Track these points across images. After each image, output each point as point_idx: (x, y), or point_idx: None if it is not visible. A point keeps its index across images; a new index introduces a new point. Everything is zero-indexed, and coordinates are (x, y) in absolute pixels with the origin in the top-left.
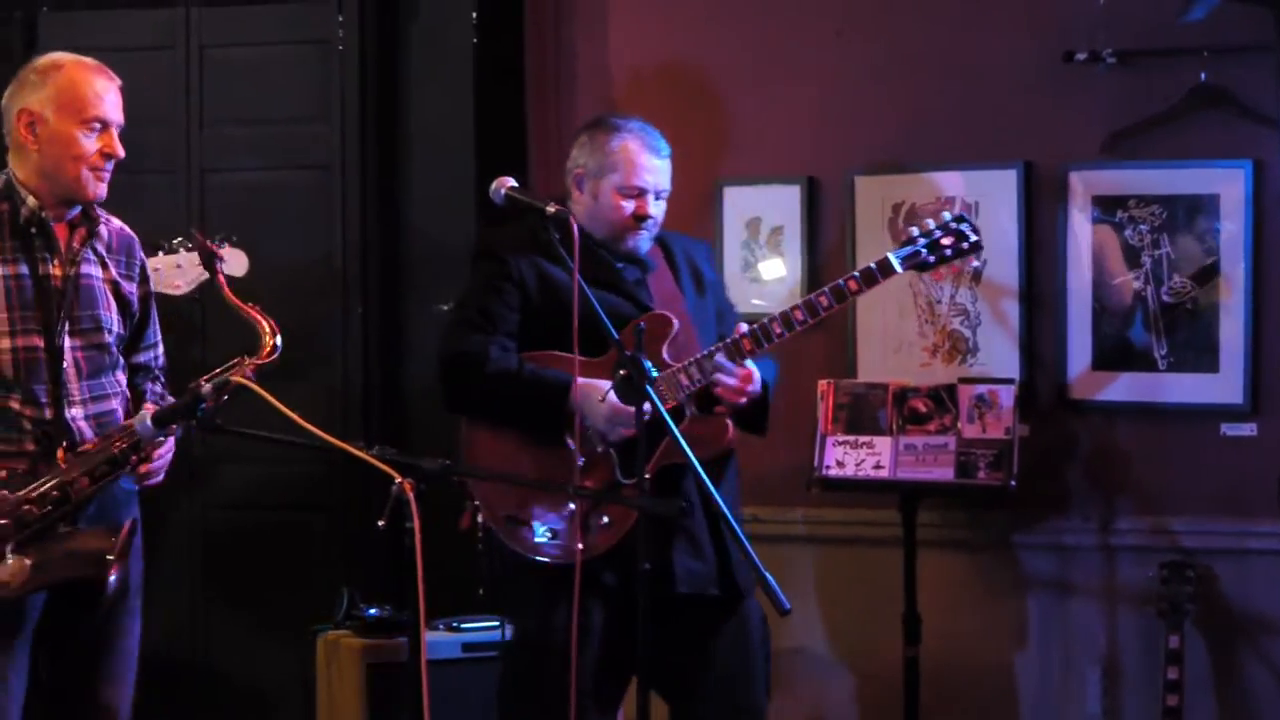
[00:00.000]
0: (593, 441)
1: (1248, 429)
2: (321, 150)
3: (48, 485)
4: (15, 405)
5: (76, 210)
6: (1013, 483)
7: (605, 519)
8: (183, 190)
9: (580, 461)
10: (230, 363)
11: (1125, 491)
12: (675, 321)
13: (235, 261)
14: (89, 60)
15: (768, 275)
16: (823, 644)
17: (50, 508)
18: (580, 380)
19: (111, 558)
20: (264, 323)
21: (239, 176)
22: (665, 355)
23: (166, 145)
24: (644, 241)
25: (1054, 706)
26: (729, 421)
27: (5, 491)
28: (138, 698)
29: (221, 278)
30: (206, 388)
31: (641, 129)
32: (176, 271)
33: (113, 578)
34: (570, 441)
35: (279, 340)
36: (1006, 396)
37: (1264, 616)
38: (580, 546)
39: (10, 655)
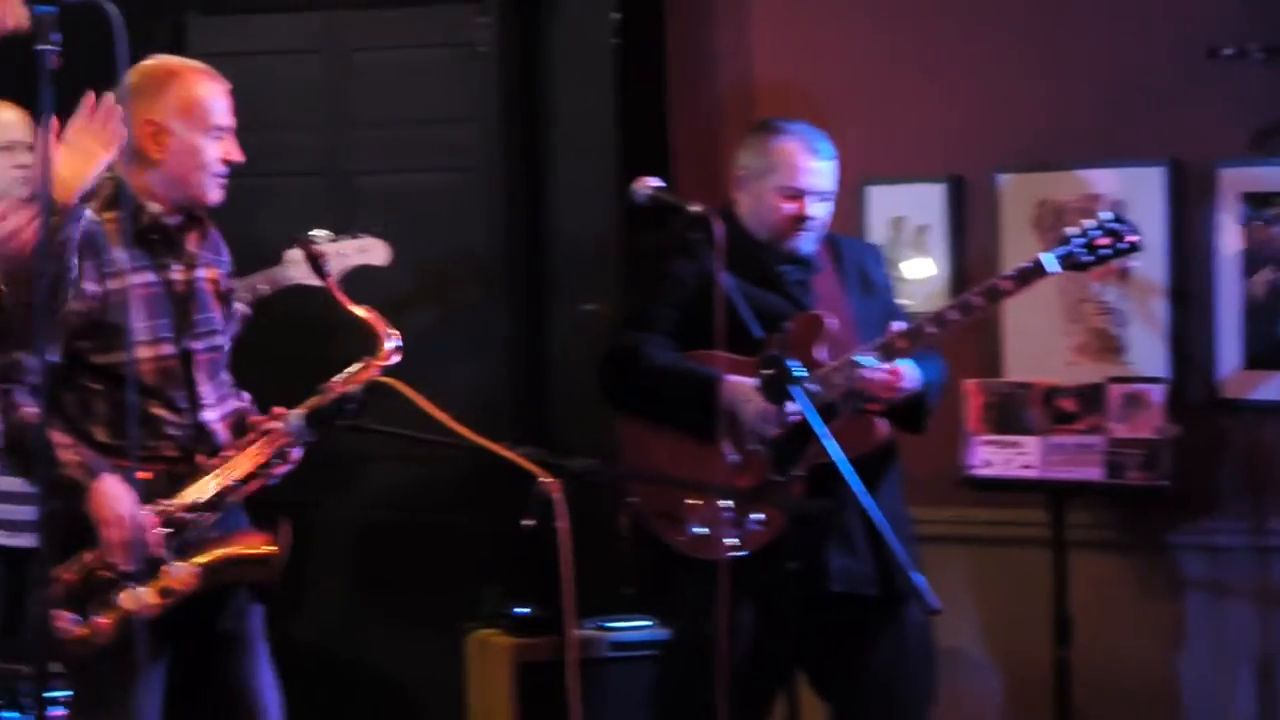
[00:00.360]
0: (747, 439)
1: None
2: (465, 152)
3: (204, 489)
4: (155, 410)
5: (183, 215)
6: (1163, 482)
7: (760, 516)
8: (329, 193)
9: (735, 459)
10: (356, 366)
11: (1279, 491)
12: (830, 321)
13: (376, 251)
14: (200, 65)
15: (913, 275)
16: (972, 645)
17: (203, 512)
18: (731, 378)
19: (277, 561)
20: (378, 324)
21: (384, 179)
22: (821, 355)
23: (313, 148)
24: (806, 242)
25: (1207, 708)
26: (878, 420)
27: (164, 500)
28: (292, 695)
29: (333, 281)
30: (355, 388)
31: (804, 131)
32: None
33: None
34: (725, 437)
35: (398, 342)
36: (1156, 396)
37: None
38: (735, 542)
39: (156, 658)
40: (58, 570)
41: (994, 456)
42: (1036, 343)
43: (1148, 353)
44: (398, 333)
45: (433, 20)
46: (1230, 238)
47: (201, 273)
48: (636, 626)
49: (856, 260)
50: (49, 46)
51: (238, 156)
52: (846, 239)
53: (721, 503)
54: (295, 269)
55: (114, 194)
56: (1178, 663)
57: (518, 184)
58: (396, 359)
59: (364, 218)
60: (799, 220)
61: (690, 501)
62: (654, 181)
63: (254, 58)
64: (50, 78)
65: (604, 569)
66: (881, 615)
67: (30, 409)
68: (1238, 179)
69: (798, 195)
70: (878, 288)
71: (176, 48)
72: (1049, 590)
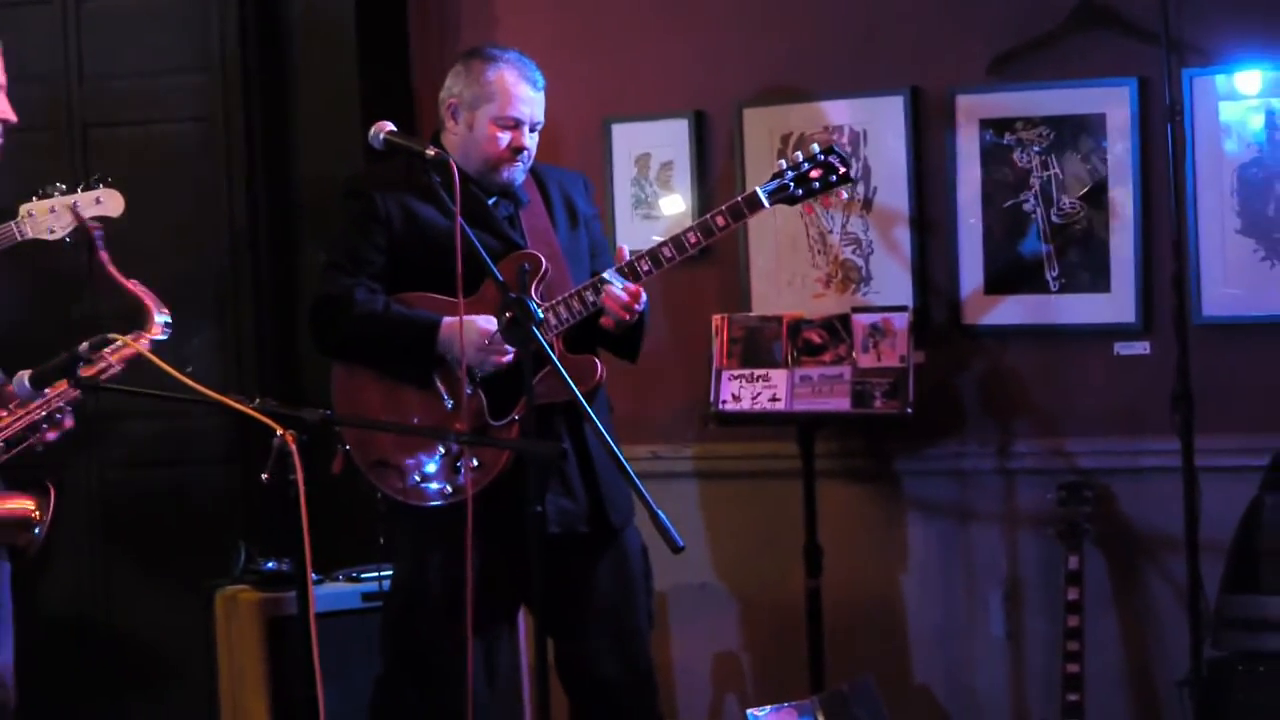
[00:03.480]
0: (462, 380)
1: (1140, 347)
2: (205, 101)
3: None
4: None
5: None
6: (909, 410)
7: (475, 462)
8: (65, 147)
9: (450, 404)
10: (126, 338)
11: (1021, 414)
12: (544, 262)
13: (111, 202)
14: None
15: (664, 212)
16: (725, 579)
17: None
18: (448, 320)
19: (40, 531)
20: (149, 300)
21: (122, 131)
22: (535, 293)
23: (47, 102)
24: (518, 174)
25: (958, 631)
26: (598, 360)
27: None
28: (39, 658)
29: (104, 255)
30: (84, 347)
31: (518, 59)
32: (51, 217)
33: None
34: (439, 383)
35: (168, 318)
36: (900, 324)
37: (1161, 532)
38: (449, 490)
39: None
40: None
41: (742, 391)
42: (782, 276)
43: (892, 282)
44: (166, 309)
45: None
46: (970, 163)
47: None
48: (387, 576)
49: (563, 191)
50: None
51: (11, 116)
52: (550, 169)
53: (436, 448)
54: (30, 224)
55: None
56: (928, 587)
57: (259, 132)
58: (165, 335)
59: (102, 170)
60: (515, 151)
61: (403, 449)
62: (389, 126)
63: None
64: None
65: (357, 519)
66: (597, 548)
67: None
68: (976, 105)
69: (514, 124)
70: (584, 219)
71: None
72: (800, 521)
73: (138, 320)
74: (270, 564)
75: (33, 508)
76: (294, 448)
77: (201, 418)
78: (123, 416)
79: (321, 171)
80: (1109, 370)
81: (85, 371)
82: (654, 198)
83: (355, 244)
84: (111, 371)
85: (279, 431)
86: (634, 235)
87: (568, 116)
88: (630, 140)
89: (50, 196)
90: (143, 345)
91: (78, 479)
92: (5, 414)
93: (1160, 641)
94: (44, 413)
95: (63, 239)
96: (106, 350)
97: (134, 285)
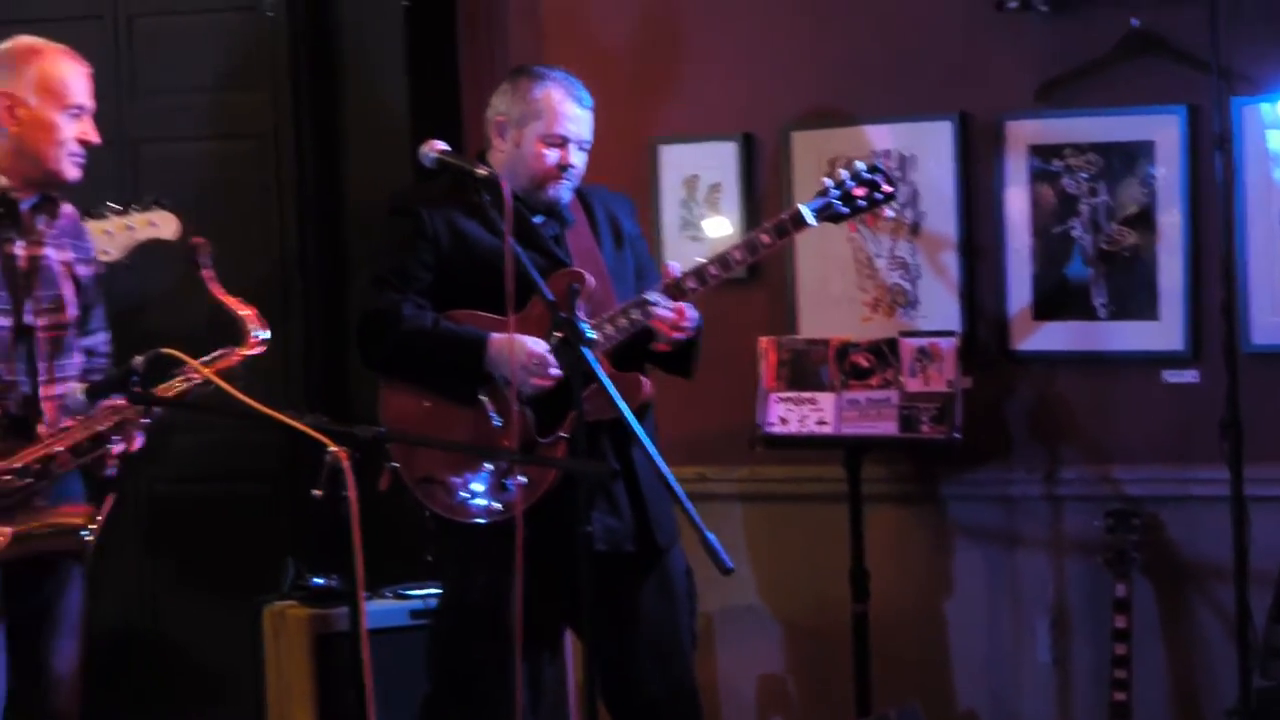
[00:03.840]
0: (508, 399)
1: (1189, 375)
2: (256, 118)
3: (31, 457)
4: None
5: (38, 194)
6: (956, 435)
7: (523, 479)
8: (116, 163)
9: (497, 422)
10: (217, 352)
11: (1069, 441)
12: (590, 278)
13: (165, 225)
14: (61, 46)
15: (710, 234)
16: (770, 602)
17: (30, 479)
18: (497, 337)
19: (90, 535)
20: (249, 316)
21: (173, 147)
22: (580, 312)
23: (98, 117)
24: (565, 192)
25: (1004, 658)
26: (644, 378)
27: None
28: (89, 668)
29: (207, 272)
30: (138, 361)
31: (565, 78)
32: (105, 238)
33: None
34: (486, 400)
35: (267, 334)
36: (948, 349)
37: (1209, 562)
38: (496, 507)
39: None
40: None
41: (789, 414)
42: (829, 299)
43: (940, 306)
44: (266, 325)
45: None
46: (1018, 189)
47: (51, 252)
48: (435, 593)
49: (608, 212)
50: None
51: (94, 138)
52: (596, 189)
53: (483, 464)
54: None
55: None
56: (974, 613)
57: (310, 148)
58: (262, 350)
59: (152, 187)
60: (561, 168)
61: (450, 466)
62: (440, 144)
63: (34, 25)
64: None
65: (405, 536)
66: (642, 568)
67: None
68: (1025, 131)
69: (561, 142)
70: (630, 240)
71: None
72: (846, 545)
73: (232, 336)
74: (319, 580)
75: (83, 520)
76: (347, 465)
77: (250, 432)
78: (171, 430)
79: (371, 187)
80: (1157, 398)
81: (169, 391)
82: (701, 219)
83: (403, 260)
84: (190, 388)
85: (332, 448)
86: (681, 257)
87: (616, 138)
88: (678, 162)
89: (103, 217)
90: (234, 361)
91: (126, 493)
92: (71, 422)
93: (1208, 671)
94: (110, 423)
95: (120, 261)
96: (187, 368)
97: (235, 302)
